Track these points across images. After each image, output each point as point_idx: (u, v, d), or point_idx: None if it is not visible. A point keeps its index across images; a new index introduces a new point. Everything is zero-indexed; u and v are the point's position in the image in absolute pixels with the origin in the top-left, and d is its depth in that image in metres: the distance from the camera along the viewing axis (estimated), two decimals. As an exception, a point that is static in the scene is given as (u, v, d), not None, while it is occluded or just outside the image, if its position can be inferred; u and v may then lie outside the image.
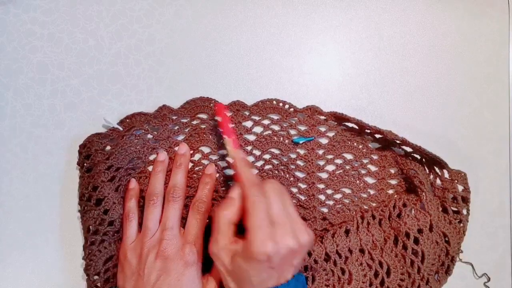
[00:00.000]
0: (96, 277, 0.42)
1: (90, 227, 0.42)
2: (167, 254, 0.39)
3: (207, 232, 0.41)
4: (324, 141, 0.46)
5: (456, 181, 0.43)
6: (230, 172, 0.46)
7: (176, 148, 0.45)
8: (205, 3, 0.48)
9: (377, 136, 0.45)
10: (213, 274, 0.41)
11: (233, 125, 0.45)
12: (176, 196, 0.42)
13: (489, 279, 0.46)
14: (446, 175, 0.44)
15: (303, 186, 0.46)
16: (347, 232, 0.44)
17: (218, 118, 0.43)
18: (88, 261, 0.41)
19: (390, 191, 0.46)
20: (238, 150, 0.41)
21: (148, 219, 0.41)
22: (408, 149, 0.45)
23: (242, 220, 0.37)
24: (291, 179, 0.46)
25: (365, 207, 0.46)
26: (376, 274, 0.43)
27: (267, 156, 0.46)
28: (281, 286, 0.35)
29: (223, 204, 0.38)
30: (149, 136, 0.45)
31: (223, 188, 0.45)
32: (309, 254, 0.43)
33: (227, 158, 0.45)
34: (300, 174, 0.46)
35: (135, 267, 0.39)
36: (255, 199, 0.36)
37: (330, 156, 0.46)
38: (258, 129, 0.46)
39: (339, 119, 0.45)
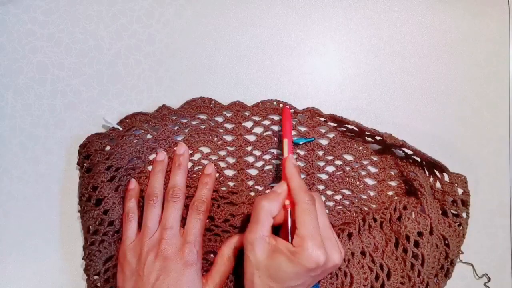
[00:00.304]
0: (96, 277, 0.42)
1: (90, 227, 0.42)
2: (166, 254, 0.39)
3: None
4: (324, 142, 0.46)
5: (456, 184, 0.43)
6: (230, 172, 0.46)
7: (175, 148, 0.45)
8: (205, 3, 0.48)
9: (377, 138, 0.45)
10: (213, 274, 0.41)
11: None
12: (175, 196, 0.42)
13: (489, 280, 0.46)
14: (446, 178, 0.44)
15: (303, 186, 0.46)
16: (349, 235, 0.44)
17: (282, 119, 0.44)
18: (88, 261, 0.41)
19: (390, 193, 0.46)
20: (291, 155, 0.41)
21: (147, 219, 0.41)
22: (408, 151, 0.45)
23: (283, 223, 0.37)
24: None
25: (365, 208, 0.46)
26: (377, 277, 0.43)
27: (267, 157, 0.46)
28: None
29: (267, 195, 0.37)
30: (149, 136, 0.45)
31: (223, 188, 0.45)
32: None
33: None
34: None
35: (135, 267, 0.39)
36: (308, 206, 0.36)
37: (330, 157, 0.46)
38: (258, 130, 0.46)
39: (338, 121, 0.45)
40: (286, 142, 0.42)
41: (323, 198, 0.46)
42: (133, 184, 0.44)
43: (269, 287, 0.35)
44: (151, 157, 0.45)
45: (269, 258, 0.35)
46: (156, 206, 0.42)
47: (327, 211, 0.45)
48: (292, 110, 0.46)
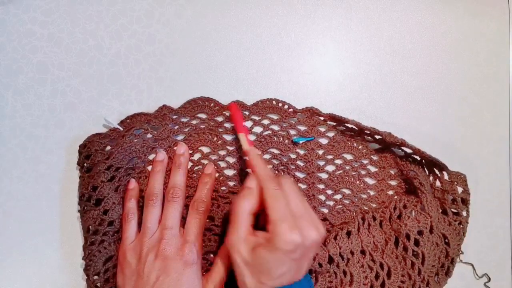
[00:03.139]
0: (96, 277, 0.42)
1: (90, 227, 0.41)
2: (166, 254, 0.39)
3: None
4: (324, 141, 0.46)
5: (455, 183, 0.43)
6: (230, 172, 0.46)
7: (175, 148, 0.45)
8: (205, 3, 0.48)
9: (377, 137, 0.45)
10: (213, 274, 0.41)
11: (246, 123, 0.45)
12: (175, 196, 0.42)
13: (489, 279, 0.46)
14: (446, 177, 0.44)
15: (303, 186, 0.46)
16: (348, 234, 0.44)
17: (231, 115, 0.44)
18: (88, 261, 0.41)
19: (390, 192, 0.46)
20: (252, 146, 0.42)
21: (147, 219, 0.41)
22: (408, 150, 0.45)
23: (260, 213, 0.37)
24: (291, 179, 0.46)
25: (365, 208, 0.46)
26: (377, 276, 0.43)
27: (267, 156, 0.46)
28: (295, 284, 0.35)
29: (241, 194, 0.37)
30: (149, 135, 0.45)
31: (223, 188, 0.45)
32: (313, 258, 0.42)
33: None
34: (300, 175, 0.46)
35: (135, 267, 0.39)
36: (275, 192, 0.36)
37: (330, 157, 0.46)
38: (258, 129, 0.46)
39: (338, 121, 0.45)
40: (242, 136, 0.42)
41: (323, 198, 0.46)
42: (133, 184, 0.44)
43: (260, 283, 0.35)
44: (151, 157, 0.45)
45: (253, 255, 0.35)
46: (156, 206, 0.42)
47: (327, 210, 0.45)
48: (291, 110, 0.46)
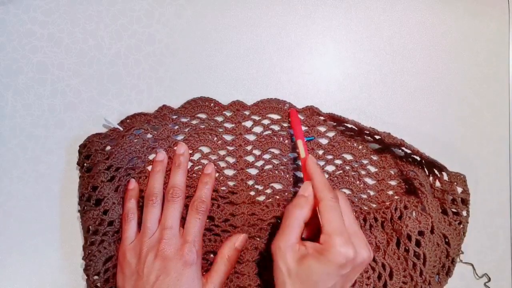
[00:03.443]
0: (96, 277, 0.42)
1: (90, 227, 0.41)
2: (166, 254, 0.39)
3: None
4: (324, 141, 0.46)
5: (455, 183, 0.43)
6: (230, 172, 0.46)
7: (175, 148, 0.45)
8: (205, 3, 0.48)
9: (377, 137, 0.45)
10: (213, 274, 0.40)
11: (305, 129, 0.46)
12: (175, 196, 0.42)
13: (489, 279, 0.46)
14: (446, 177, 0.44)
15: (303, 186, 0.46)
16: None
17: (291, 121, 0.44)
18: (88, 261, 0.41)
19: (390, 192, 0.46)
20: (310, 155, 0.41)
21: (147, 219, 0.41)
22: (408, 151, 0.45)
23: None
24: (291, 179, 0.46)
25: (365, 208, 0.46)
26: (379, 277, 0.43)
27: (267, 156, 0.46)
28: None
29: (296, 202, 0.37)
30: (149, 135, 0.45)
31: (223, 188, 0.45)
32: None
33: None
34: (300, 174, 0.46)
35: (135, 267, 0.39)
36: (332, 204, 0.36)
37: (329, 157, 0.46)
38: (258, 129, 0.46)
39: (337, 120, 0.45)
40: (300, 143, 0.42)
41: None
42: (133, 184, 0.44)
43: None
44: (151, 157, 0.45)
45: (299, 264, 0.35)
46: (156, 206, 0.42)
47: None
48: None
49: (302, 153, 0.42)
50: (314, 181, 0.38)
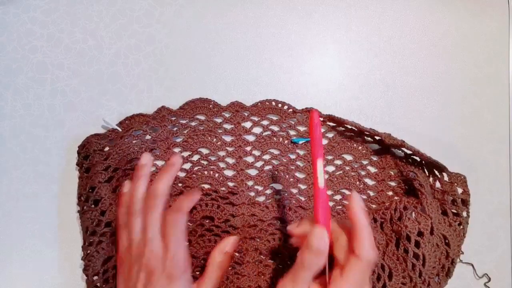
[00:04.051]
0: (95, 277, 0.42)
1: (88, 227, 0.41)
2: (149, 269, 0.36)
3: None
4: (323, 142, 0.46)
5: (455, 184, 0.43)
6: (229, 173, 0.46)
7: (174, 150, 0.45)
8: (205, 3, 0.48)
9: (377, 138, 0.45)
10: (206, 280, 0.39)
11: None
12: (151, 205, 0.38)
13: (489, 279, 0.46)
14: (446, 178, 0.44)
15: (303, 187, 0.46)
16: None
17: (310, 131, 0.37)
18: (87, 262, 0.41)
19: (390, 193, 0.46)
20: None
21: (130, 231, 0.38)
22: (408, 151, 0.45)
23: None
24: (291, 180, 0.45)
25: (365, 208, 0.45)
26: (378, 278, 0.42)
27: (266, 157, 0.46)
28: None
29: (311, 260, 0.34)
30: (148, 137, 0.45)
31: (223, 189, 0.45)
32: None
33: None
34: (300, 175, 0.46)
35: (126, 276, 0.38)
36: (367, 269, 0.34)
37: (329, 157, 0.46)
38: (257, 130, 0.46)
39: (336, 122, 0.45)
40: (320, 164, 0.31)
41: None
42: (127, 188, 0.41)
43: None
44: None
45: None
46: (137, 216, 0.39)
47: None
48: (290, 110, 0.46)
49: (321, 182, 0.32)
50: (360, 233, 0.34)
